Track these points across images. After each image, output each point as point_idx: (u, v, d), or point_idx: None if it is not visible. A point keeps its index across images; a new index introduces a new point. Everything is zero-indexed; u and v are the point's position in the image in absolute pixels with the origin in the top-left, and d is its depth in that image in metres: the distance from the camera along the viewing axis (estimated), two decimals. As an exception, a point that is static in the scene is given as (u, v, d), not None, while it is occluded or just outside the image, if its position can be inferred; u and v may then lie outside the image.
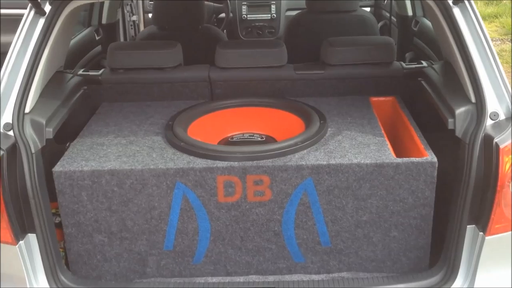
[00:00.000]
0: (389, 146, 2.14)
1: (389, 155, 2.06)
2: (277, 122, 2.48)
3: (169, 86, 2.64)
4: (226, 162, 2.04)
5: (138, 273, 2.21)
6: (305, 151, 2.11)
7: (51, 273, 2.03)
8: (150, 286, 2.09)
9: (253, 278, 2.18)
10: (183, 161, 2.07)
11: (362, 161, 2.01)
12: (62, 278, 2.06)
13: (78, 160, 2.12)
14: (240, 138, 2.44)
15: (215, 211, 2.09)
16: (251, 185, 2.04)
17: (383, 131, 2.27)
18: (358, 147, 2.12)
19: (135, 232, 2.14)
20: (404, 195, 2.05)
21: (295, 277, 2.18)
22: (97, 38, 3.86)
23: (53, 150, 2.24)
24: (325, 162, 2.02)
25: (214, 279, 2.18)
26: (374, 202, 2.06)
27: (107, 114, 2.55)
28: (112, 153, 2.16)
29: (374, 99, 2.61)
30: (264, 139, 2.42)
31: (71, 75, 2.58)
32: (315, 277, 2.17)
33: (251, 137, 2.44)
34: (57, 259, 2.06)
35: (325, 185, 2.04)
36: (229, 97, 2.59)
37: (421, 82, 2.47)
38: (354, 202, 2.07)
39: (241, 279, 2.18)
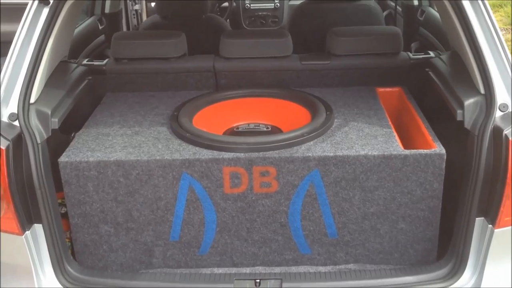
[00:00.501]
0: (396, 137, 2.12)
1: (396, 146, 2.04)
2: (283, 113, 2.47)
3: (174, 76, 2.63)
4: (232, 153, 2.02)
5: (144, 264, 2.20)
6: (311, 142, 2.09)
7: (57, 264, 2.02)
8: (156, 276, 2.09)
9: (259, 269, 2.18)
10: (189, 152, 2.06)
11: (370, 153, 2.00)
12: (69, 268, 2.05)
13: (84, 150, 2.10)
14: (245, 128, 2.42)
15: (221, 202, 2.08)
16: (257, 177, 2.03)
17: (390, 122, 2.25)
18: (365, 139, 2.10)
19: (141, 223, 2.13)
20: (412, 187, 2.04)
21: (302, 268, 2.17)
22: (100, 27, 3.83)
23: (58, 140, 2.23)
24: (331, 154, 2.00)
25: (220, 270, 2.18)
26: (382, 194, 2.05)
27: (112, 105, 2.53)
28: (118, 144, 2.15)
29: (381, 89, 2.59)
30: (269, 129, 2.41)
31: (76, 65, 2.56)
32: (322, 268, 2.16)
33: (257, 127, 2.43)
34: (64, 249, 2.06)
35: (331, 177, 2.03)
36: (234, 87, 2.58)
37: (429, 72, 2.45)
38: (361, 194, 2.05)
39: (247, 270, 2.17)
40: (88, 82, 2.54)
